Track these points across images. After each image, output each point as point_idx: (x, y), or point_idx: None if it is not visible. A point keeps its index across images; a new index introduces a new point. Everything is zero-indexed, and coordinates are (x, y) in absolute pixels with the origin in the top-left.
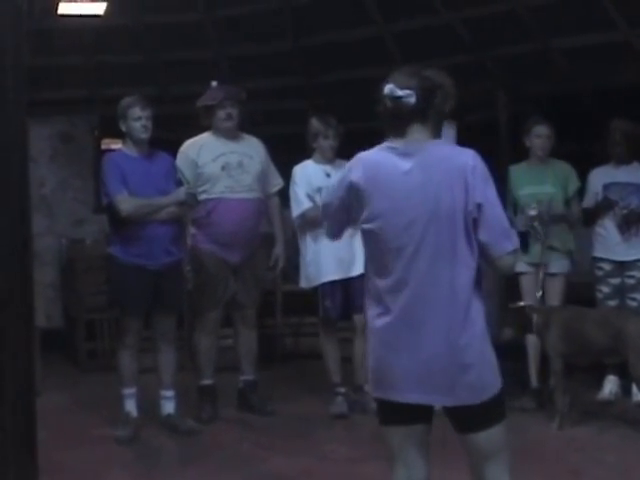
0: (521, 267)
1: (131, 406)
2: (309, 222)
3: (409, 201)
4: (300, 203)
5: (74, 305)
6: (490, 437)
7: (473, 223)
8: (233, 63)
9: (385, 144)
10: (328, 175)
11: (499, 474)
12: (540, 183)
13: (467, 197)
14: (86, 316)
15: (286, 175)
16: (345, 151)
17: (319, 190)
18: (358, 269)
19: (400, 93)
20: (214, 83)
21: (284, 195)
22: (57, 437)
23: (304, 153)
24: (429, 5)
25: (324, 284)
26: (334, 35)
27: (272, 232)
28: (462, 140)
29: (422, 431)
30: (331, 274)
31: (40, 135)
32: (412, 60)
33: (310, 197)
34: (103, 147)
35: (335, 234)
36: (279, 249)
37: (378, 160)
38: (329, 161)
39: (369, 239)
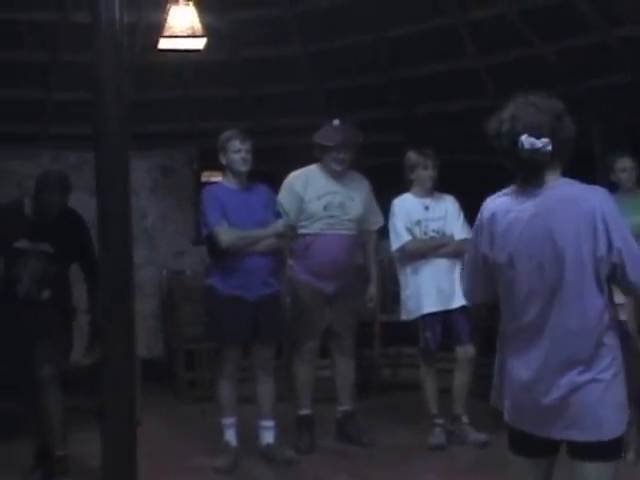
0: None
1: (230, 436)
2: (408, 255)
3: (538, 245)
4: (399, 236)
5: (174, 335)
6: (601, 471)
7: (613, 268)
8: (329, 96)
9: (511, 188)
10: (427, 208)
11: None
12: (631, 214)
13: (596, 243)
14: (186, 346)
15: (382, 208)
16: (442, 183)
17: (418, 223)
18: (458, 301)
19: (539, 144)
20: (336, 121)
21: (380, 228)
22: (156, 466)
23: (399, 185)
24: (523, 37)
25: (424, 316)
26: (429, 67)
27: (366, 265)
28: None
29: (547, 464)
30: (431, 306)
31: (141, 168)
32: (505, 92)
33: (409, 230)
34: (203, 180)
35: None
36: (373, 289)
37: (502, 205)
38: (428, 193)
39: (501, 281)
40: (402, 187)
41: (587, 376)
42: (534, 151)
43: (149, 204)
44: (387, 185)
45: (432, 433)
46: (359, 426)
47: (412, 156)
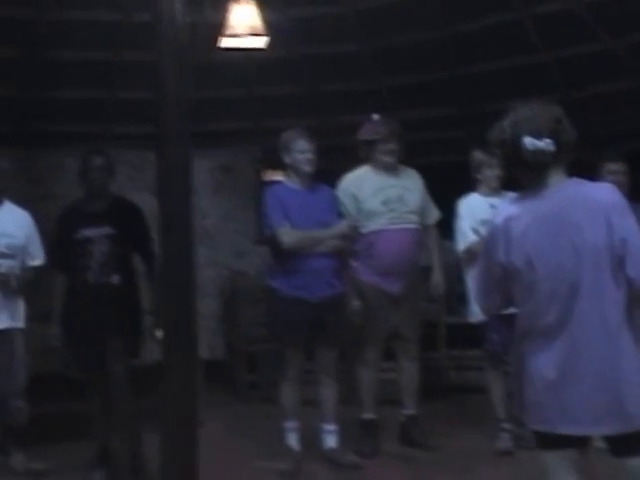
0: None
1: (293, 439)
2: (475, 256)
3: (556, 244)
4: (465, 237)
5: (235, 337)
6: None
7: (619, 260)
8: (392, 93)
9: (519, 195)
10: (493, 207)
11: None
12: None
13: (610, 234)
14: (247, 348)
15: (445, 206)
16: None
17: (484, 223)
18: None
19: (541, 145)
20: (375, 116)
21: (443, 225)
22: (217, 468)
23: (463, 183)
24: (591, 32)
25: (491, 318)
26: (494, 64)
27: (431, 265)
28: None
29: (578, 455)
30: None
31: (202, 167)
32: (574, 87)
33: (475, 230)
34: (265, 179)
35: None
36: (437, 277)
37: (514, 211)
38: (494, 192)
39: (520, 284)
40: (467, 186)
41: (611, 371)
42: (537, 152)
43: (211, 204)
44: (451, 183)
45: (499, 438)
46: (424, 430)
47: (478, 155)
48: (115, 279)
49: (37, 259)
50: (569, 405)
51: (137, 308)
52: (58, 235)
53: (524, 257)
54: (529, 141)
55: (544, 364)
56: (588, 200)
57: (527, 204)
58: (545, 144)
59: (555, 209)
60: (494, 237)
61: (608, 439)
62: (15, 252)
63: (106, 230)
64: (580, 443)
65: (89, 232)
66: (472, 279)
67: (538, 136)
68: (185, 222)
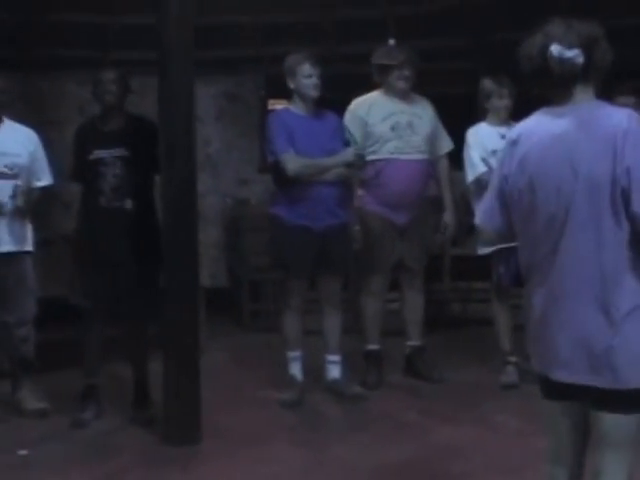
0: None
1: (296, 369)
2: (484, 186)
3: (557, 167)
4: (475, 167)
5: (238, 265)
6: (621, 423)
7: (622, 194)
8: (399, 22)
9: (541, 110)
10: (503, 137)
11: (617, 466)
12: None
13: (614, 164)
14: (250, 276)
15: (453, 138)
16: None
17: (494, 153)
18: None
19: (569, 54)
20: (392, 41)
21: (453, 157)
22: (219, 398)
23: (473, 115)
24: None
25: (500, 249)
26: None
27: (440, 195)
28: None
29: (578, 409)
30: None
31: (206, 94)
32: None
33: (485, 161)
34: (269, 107)
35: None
36: (448, 216)
37: (527, 127)
38: (503, 122)
39: (520, 208)
40: (476, 116)
41: (600, 318)
42: (563, 61)
43: (214, 131)
44: (461, 114)
45: (504, 371)
46: (428, 362)
47: (487, 84)
48: (128, 204)
49: (43, 179)
50: (560, 350)
51: (154, 235)
52: (75, 153)
53: (527, 177)
54: (556, 49)
55: (537, 302)
56: (601, 124)
57: (542, 121)
58: (573, 54)
59: (565, 130)
60: (504, 151)
61: (589, 391)
62: (18, 172)
63: (120, 151)
64: (581, 393)
65: (102, 153)
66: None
67: (568, 46)
68: (187, 149)
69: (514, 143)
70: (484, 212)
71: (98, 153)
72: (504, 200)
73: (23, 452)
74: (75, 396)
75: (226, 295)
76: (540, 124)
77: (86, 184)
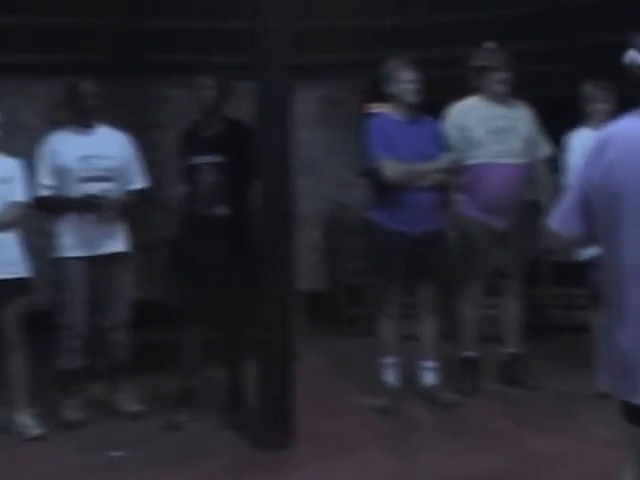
0: None
1: (390, 375)
2: None
3: None
4: (575, 172)
5: (337, 269)
6: None
7: None
8: (500, 24)
9: (634, 112)
10: None
11: None
12: None
13: None
14: (348, 281)
15: (552, 141)
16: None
17: None
18: None
19: None
20: (488, 44)
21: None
22: (313, 403)
23: (571, 118)
24: None
25: (597, 256)
26: None
27: (538, 200)
28: None
29: None
30: None
31: (307, 98)
32: None
33: None
34: (370, 111)
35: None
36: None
37: (620, 130)
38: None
39: (605, 215)
40: (576, 120)
41: None
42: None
43: (315, 135)
44: (561, 117)
45: None
46: (526, 370)
47: (588, 88)
48: (222, 210)
49: (138, 182)
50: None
51: (250, 239)
52: (180, 157)
53: (615, 181)
54: (633, 54)
55: (620, 321)
56: None
57: (633, 124)
58: None
59: None
60: (590, 154)
61: None
62: (113, 175)
63: (215, 158)
64: None
65: (198, 159)
66: None
67: None
68: (284, 153)
69: (602, 146)
70: (561, 216)
71: (195, 159)
72: (585, 205)
73: (116, 453)
74: (171, 398)
75: (325, 299)
76: (630, 127)
77: (188, 188)
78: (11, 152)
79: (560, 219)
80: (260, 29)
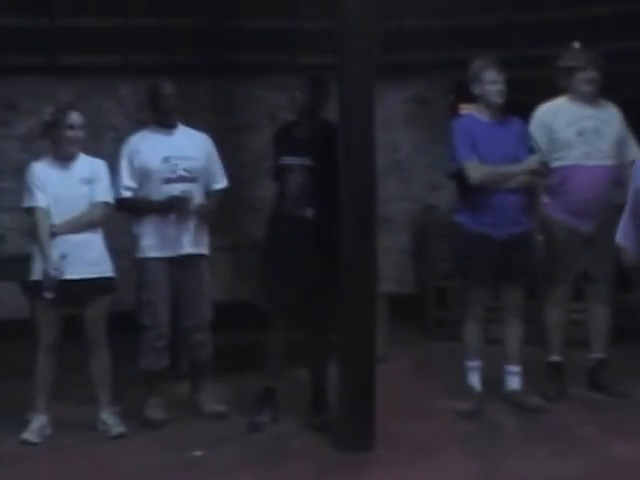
0: None
1: (474, 379)
2: None
3: None
4: None
5: (425, 272)
6: None
7: None
8: (591, 24)
9: None
10: None
11: None
12: None
13: None
14: (436, 283)
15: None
16: None
17: None
18: None
19: None
20: (576, 44)
21: None
22: (397, 406)
23: None
24: None
25: None
26: None
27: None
28: None
29: None
30: None
31: (395, 99)
32: None
33: None
34: (458, 111)
35: None
36: None
37: None
38: None
39: None
40: None
41: None
42: None
43: (403, 136)
44: None
45: None
46: (613, 376)
47: None
48: (309, 212)
49: (220, 182)
50: None
51: (334, 243)
52: (272, 155)
53: None
54: None
55: None
56: None
57: None
58: None
59: None
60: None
61: None
62: (196, 175)
63: (306, 160)
64: None
65: (289, 160)
66: None
67: None
68: (366, 154)
69: None
70: (620, 228)
71: (286, 159)
72: (637, 217)
73: (197, 453)
74: (254, 399)
75: (413, 301)
76: None
77: (277, 187)
78: (98, 153)
79: (620, 231)
80: (343, 29)
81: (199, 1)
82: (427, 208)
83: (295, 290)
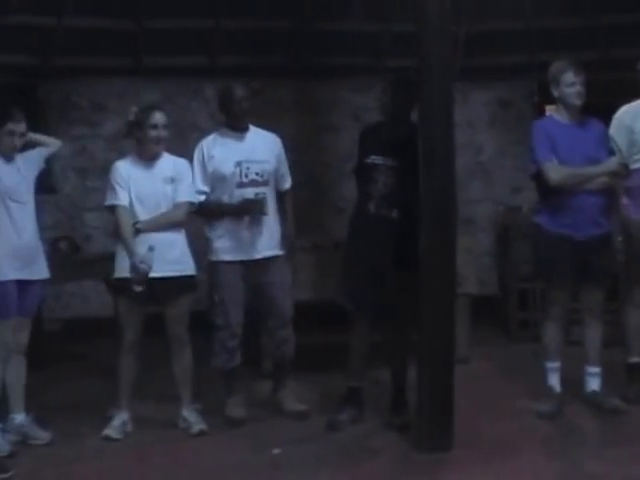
0: None
1: (554, 380)
2: None
3: None
4: None
5: (508, 273)
6: None
7: None
8: None
9: None
10: None
11: None
12: None
13: None
14: (519, 285)
15: None
16: None
17: None
18: None
19: None
20: None
21: None
22: (477, 406)
23: None
24: None
25: None
26: None
27: None
28: None
29: None
30: None
31: (479, 101)
32: None
33: None
34: (542, 113)
35: None
36: None
37: None
38: None
39: None
40: None
41: None
42: None
43: (487, 138)
44: None
45: None
46: None
47: None
48: (395, 213)
49: (288, 182)
50: None
51: (416, 244)
52: (358, 152)
53: None
54: None
55: None
56: None
57: None
58: None
59: None
60: None
61: None
62: (267, 178)
63: (391, 160)
64: None
65: (378, 159)
66: None
67: None
68: (446, 156)
69: None
70: None
71: (375, 159)
72: None
73: (276, 451)
74: (336, 398)
75: (496, 303)
76: None
77: (360, 187)
78: (184, 153)
79: None
80: (423, 31)
81: (285, 4)
82: (510, 209)
83: (378, 290)
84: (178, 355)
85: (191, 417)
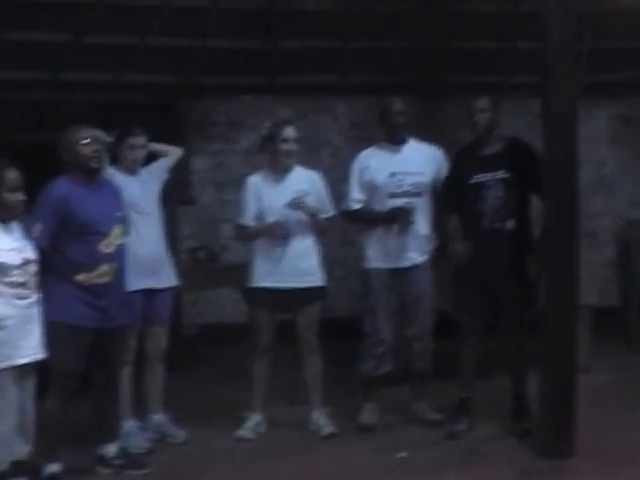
0: None
1: None
2: None
3: None
4: None
5: (628, 285)
6: None
7: None
8: None
9: None
10: None
11: None
12: None
13: None
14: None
15: None
16: None
17: None
18: None
19: None
20: None
21: None
22: (597, 417)
23: None
24: None
25: None
26: None
27: None
28: None
29: None
30: None
31: (600, 116)
32: None
33: None
34: None
35: None
36: None
37: None
38: None
39: None
40: None
41: None
42: None
43: (608, 153)
44: None
45: None
46: None
47: None
48: (509, 224)
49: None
50: None
51: (531, 253)
52: (452, 177)
53: None
54: None
55: None
56: None
57: None
58: None
59: None
60: None
61: None
62: (421, 190)
63: (501, 174)
64: None
65: (483, 177)
66: None
67: None
68: (569, 169)
69: None
70: None
71: (479, 177)
72: None
73: (402, 454)
74: (451, 407)
75: (616, 314)
76: None
77: (467, 206)
78: (316, 167)
79: None
80: (546, 48)
81: (412, 24)
82: (630, 223)
83: (492, 301)
84: (308, 360)
85: (321, 420)
